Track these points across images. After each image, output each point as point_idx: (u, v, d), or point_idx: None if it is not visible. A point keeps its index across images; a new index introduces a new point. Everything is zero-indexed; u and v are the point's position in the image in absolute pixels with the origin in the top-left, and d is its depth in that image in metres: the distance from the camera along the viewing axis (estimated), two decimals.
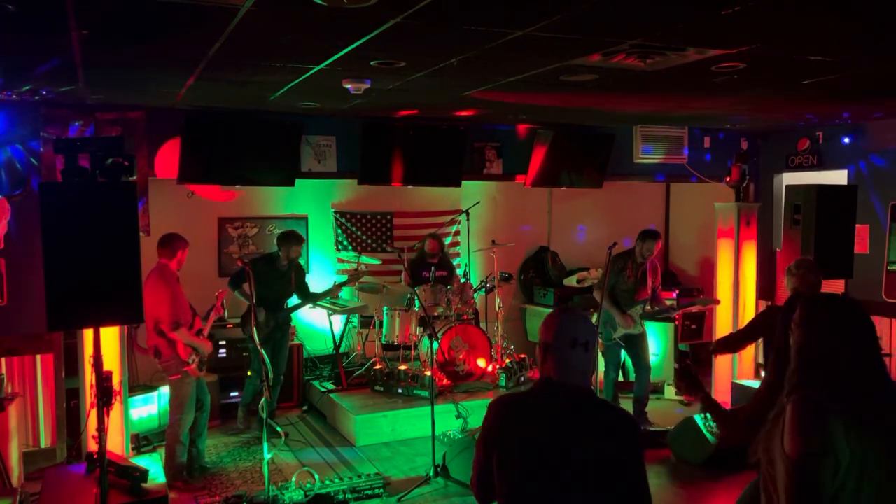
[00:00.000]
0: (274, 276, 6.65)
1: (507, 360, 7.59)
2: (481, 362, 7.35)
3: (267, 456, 5.05)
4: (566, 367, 2.31)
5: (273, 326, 6.69)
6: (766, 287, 7.88)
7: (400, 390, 7.04)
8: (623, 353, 6.94)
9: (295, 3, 2.94)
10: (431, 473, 5.57)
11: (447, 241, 8.57)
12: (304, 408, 7.52)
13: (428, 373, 6.58)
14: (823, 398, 2.14)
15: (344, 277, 8.24)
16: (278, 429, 5.47)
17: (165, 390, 5.90)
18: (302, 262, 8.01)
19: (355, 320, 7.98)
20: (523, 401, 2.39)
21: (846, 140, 7.17)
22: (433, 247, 7.87)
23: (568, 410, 2.28)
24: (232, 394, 7.13)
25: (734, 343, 5.05)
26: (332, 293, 7.12)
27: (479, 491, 2.41)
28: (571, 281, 8.84)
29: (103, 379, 3.84)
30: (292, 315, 7.04)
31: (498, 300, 7.84)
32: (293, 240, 6.75)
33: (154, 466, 4.77)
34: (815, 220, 5.66)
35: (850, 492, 2.07)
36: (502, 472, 2.28)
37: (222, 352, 7.19)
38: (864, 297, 6.63)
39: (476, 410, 6.72)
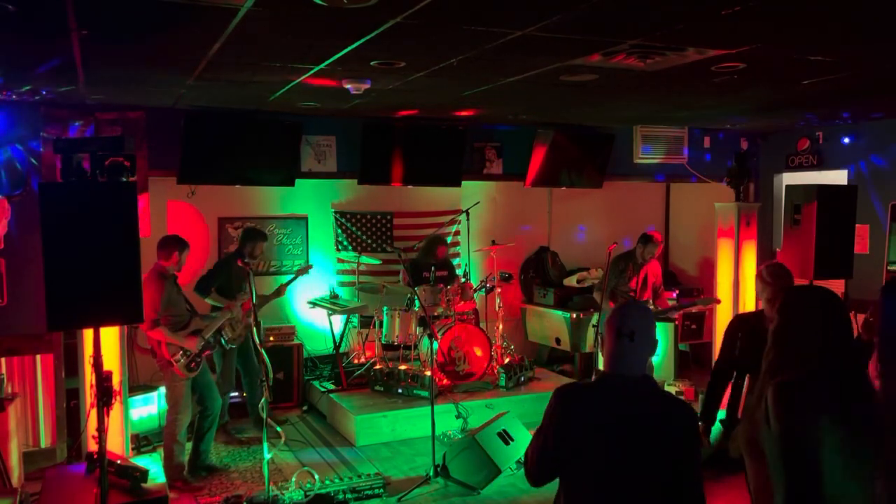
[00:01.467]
0: (239, 274, 6.54)
1: (507, 360, 7.59)
2: (478, 352, 7.32)
3: (267, 456, 5.05)
4: (612, 357, 2.42)
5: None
6: None
7: (400, 390, 7.03)
8: None
9: (295, 3, 2.94)
10: (431, 473, 5.57)
11: (447, 240, 8.56)
12: (304, 408, 7.52)
13: (428, 373, 6.57)
14: (802, 381, 2.24)
15: (342, 277, 8.26)
16: (278, 429, 5.46)
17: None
18: (301, 262, 8.01)
19: (355, 320, 7.98)
20: (582, 390, 2.50)
21: (846, 140, 7.17)
22: (443, 252, 7.84)
23: (619, 400, 2.36)
24: (231, 394, 7.10)
25: None
26: (279, 293, 6.87)
27: (535, 472, 2.50)
28: (571, 281, 8.83)
29: (103, 379, 3.83)
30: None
31: (498, 300, 7.84)
32: (259, 237, 6.64)
33: (154, 466, 4.75)
34: (815, 220, 5.65)
35: (817, 469, 2.14)
36: (564, 458, 2.38)
37: None
38: (865, 298, 6.61)
39: (476, 410, 6.73)
